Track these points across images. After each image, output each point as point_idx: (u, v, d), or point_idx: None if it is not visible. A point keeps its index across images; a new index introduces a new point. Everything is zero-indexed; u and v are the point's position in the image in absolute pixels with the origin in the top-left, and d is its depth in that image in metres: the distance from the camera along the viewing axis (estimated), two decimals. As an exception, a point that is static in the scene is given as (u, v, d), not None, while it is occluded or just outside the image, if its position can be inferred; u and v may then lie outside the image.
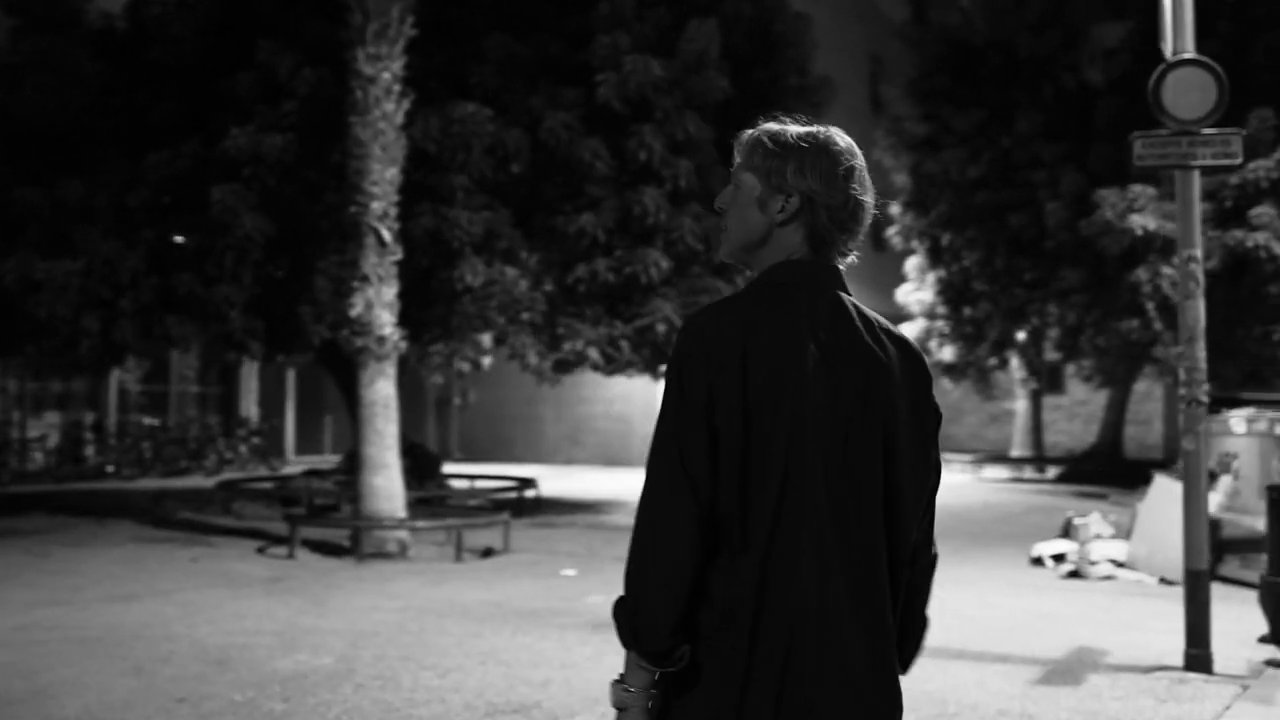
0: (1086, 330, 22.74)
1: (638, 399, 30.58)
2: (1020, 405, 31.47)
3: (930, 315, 26.49)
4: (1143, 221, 20.84)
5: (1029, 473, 28.47)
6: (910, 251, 27.49)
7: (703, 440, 2.19)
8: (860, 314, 2.34)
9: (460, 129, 14.66)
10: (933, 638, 8.89)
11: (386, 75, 13.56)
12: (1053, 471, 28.16)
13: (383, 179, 13.45)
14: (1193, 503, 7.94)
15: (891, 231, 27.21)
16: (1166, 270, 21.18)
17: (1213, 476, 12.61)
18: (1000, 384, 30.04)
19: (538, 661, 8.14)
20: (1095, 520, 13.18)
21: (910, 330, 27.09)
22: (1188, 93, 8.07)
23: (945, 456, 25.14)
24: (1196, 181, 8.11)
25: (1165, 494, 12.40)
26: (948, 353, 26.26)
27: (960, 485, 25.32)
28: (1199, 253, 8.07)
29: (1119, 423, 26.50)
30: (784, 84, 16.78)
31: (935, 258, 26.20)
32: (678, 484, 2.17)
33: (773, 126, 2.38)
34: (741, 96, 16.20)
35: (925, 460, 2.35)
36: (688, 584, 2.17)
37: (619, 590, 2.27)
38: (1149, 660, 8.22)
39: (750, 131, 2.40)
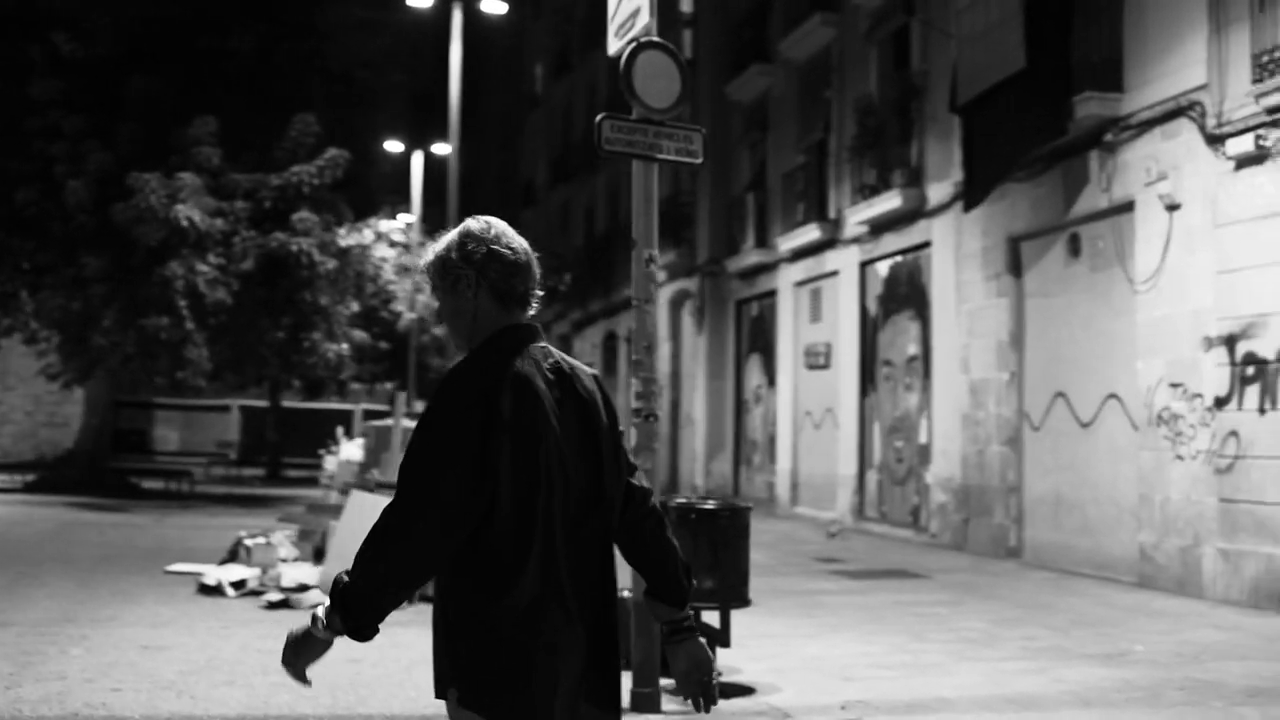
0: (105, 324, 20.37)
1: None
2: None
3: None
4: (188, 213, 19.38)
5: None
6: None
7: (473, 478, 2.69)
8: (560, 357, 2.95)
9: None
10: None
11: None
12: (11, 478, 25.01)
13: None
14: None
15: None
16: (202, 267, 19.95)
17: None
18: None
19: None
20: (281, 541, 11.72)
21: None
22: (655, 79, 7.40)
23: None
24: (656, 175, 7.47)
25: (364, 510, 11.45)
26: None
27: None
28: (657, 252, 7.42)
29: (103, 426, 24.22)
30: None
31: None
32: (446, 512, 2.66)
33: (433, 246, 2.96)
34: None
35: (620, 459, 2.97)
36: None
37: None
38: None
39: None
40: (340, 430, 21.67)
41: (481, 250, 2.86)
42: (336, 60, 24.41)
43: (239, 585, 11.34)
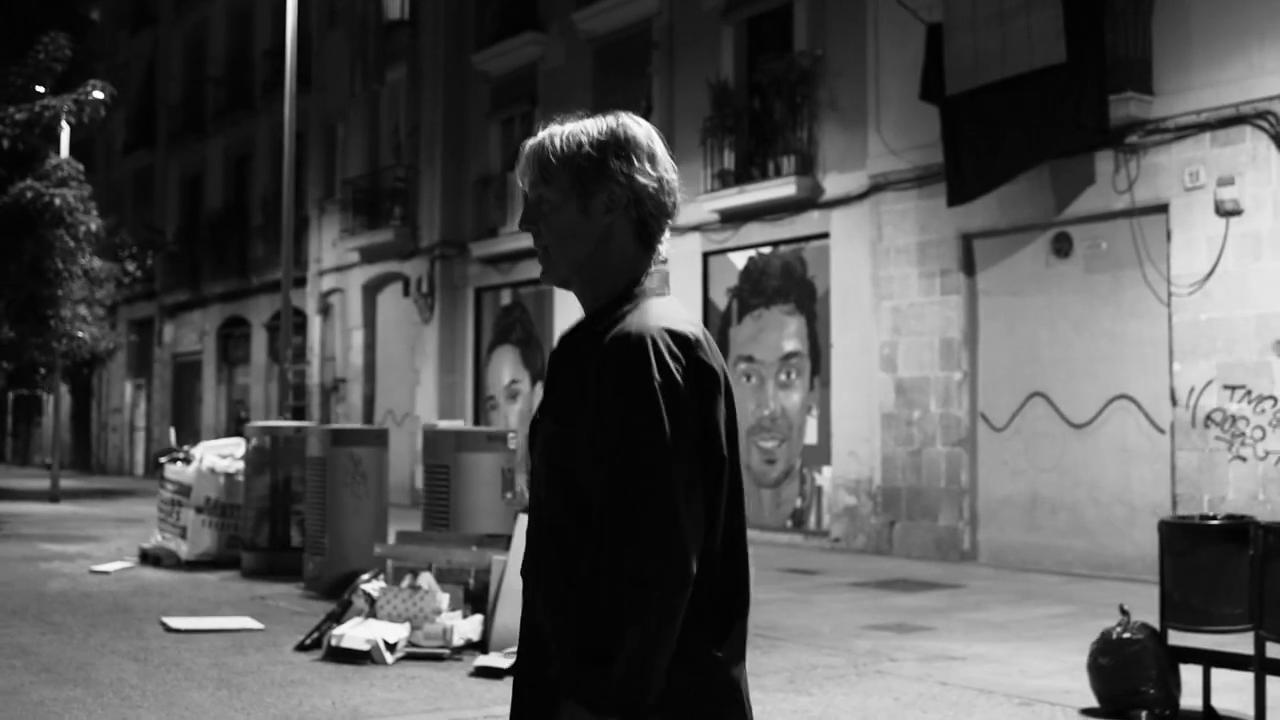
0: None
1: None
2: None
3: None
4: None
5: None
6: None
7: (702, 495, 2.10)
8: None
9: None
10: None
11: None
12: None
13: None
14: None
15: None
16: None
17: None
18: None
19: None
20: (431, 586, 8.94)
21: None
22: None
23: None
24: None
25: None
26: None
27: None
28: None
29: None
30: None
31: None
32: (693, 537, 2.04)
33: (562, 129, 2.16)
34: None
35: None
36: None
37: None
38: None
39: (534, 141, 2.18)
40: (172, 431, 17.23)
41: (644, 166, 2.14)
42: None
43: (392, 647, 8.56)
